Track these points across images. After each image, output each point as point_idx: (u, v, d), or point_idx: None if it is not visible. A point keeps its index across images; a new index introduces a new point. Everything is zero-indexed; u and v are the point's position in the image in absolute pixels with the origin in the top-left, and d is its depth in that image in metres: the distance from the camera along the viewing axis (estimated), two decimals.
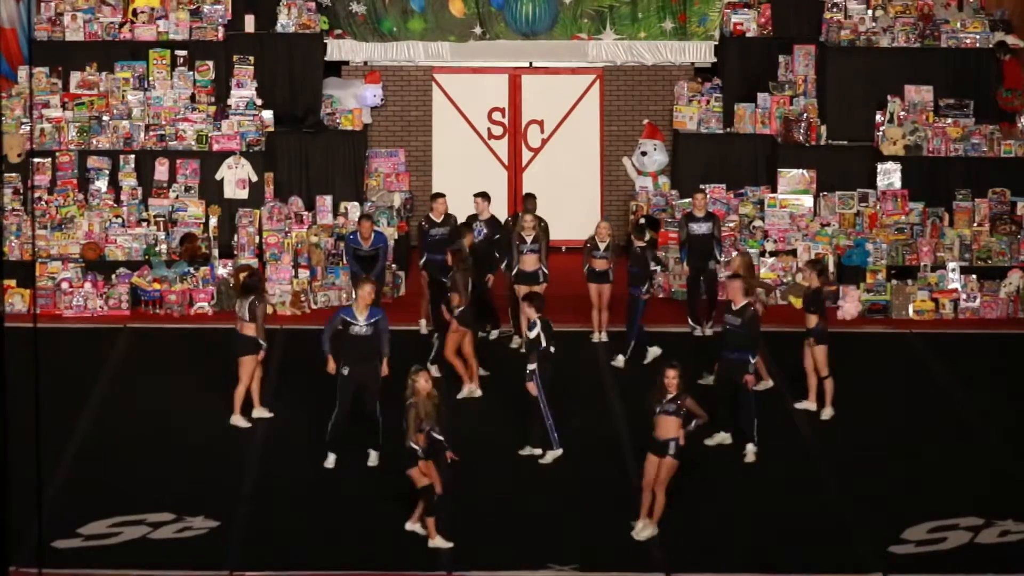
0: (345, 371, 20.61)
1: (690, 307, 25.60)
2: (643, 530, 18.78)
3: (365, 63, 29.93)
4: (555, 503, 19.76)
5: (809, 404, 22.37)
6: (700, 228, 25.46)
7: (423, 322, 25.08)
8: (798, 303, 24.55)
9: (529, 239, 24.51)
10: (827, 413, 22.23)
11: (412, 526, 18.74)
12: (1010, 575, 18.33)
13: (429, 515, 18.52)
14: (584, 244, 25.21)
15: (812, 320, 22.20)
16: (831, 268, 26.60)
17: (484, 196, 25.27)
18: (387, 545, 18.74)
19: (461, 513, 19.45)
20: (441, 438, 18.61)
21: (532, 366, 20.70)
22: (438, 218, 24.92)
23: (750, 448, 21.02)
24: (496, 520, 19.41)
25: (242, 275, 23.03)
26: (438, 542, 18.49)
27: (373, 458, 20.62)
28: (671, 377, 18.69)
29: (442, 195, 25.23)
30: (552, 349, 20.81)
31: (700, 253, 25.36)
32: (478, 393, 22.66)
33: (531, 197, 25.70)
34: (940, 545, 18.94)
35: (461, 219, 24.96)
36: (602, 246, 24.79)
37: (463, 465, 20.32)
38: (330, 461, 20.56)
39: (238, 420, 21.78)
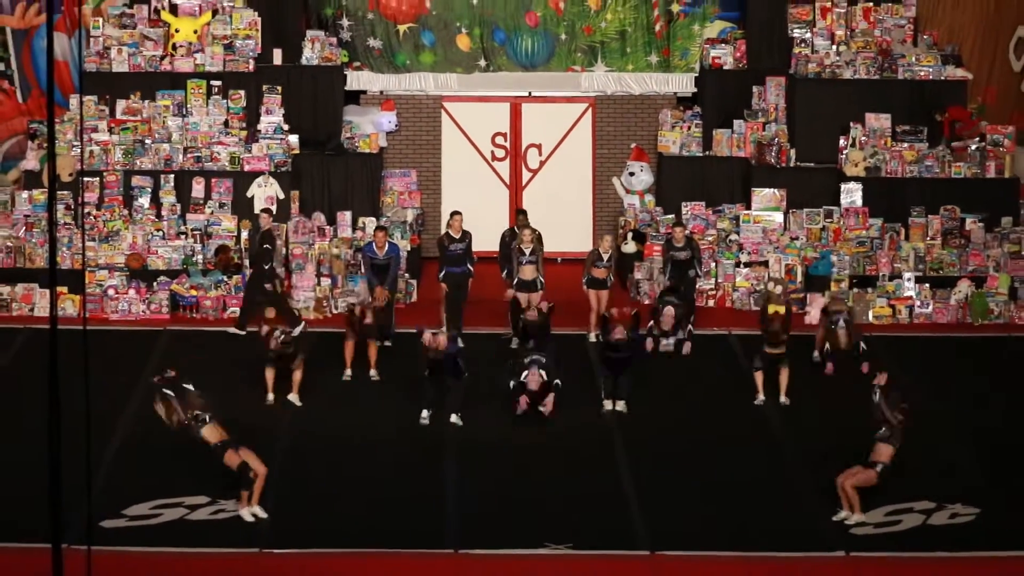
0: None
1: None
2: (852, 517, 19.10)
3: (381, 92, 29.99)
4: (552, 490, 19.84)
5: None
6: (681, 255, 25.62)
7: (444, 328, 25.17)
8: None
9: (528, 251, 24.61)
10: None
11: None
12: (959, 552, 18.43)
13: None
14: (588, 255, 25.31)
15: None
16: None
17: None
18: (401, 525, 18.82)
19: (468, 500, 19.56)
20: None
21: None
22: (456, 234, 24.97)
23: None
24: (499, 505, 19.47)
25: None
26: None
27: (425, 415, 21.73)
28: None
29: (459, 213, 25.29)
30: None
31: (681, 271, 25.53)
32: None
33: (523, 213, 25.79)
34: (896, 527, 19.03)
35: (475, 234, 25.24)
36: (605, 257, 24.91)
37: (471, 458, 20.43)
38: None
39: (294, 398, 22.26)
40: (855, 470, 19.14)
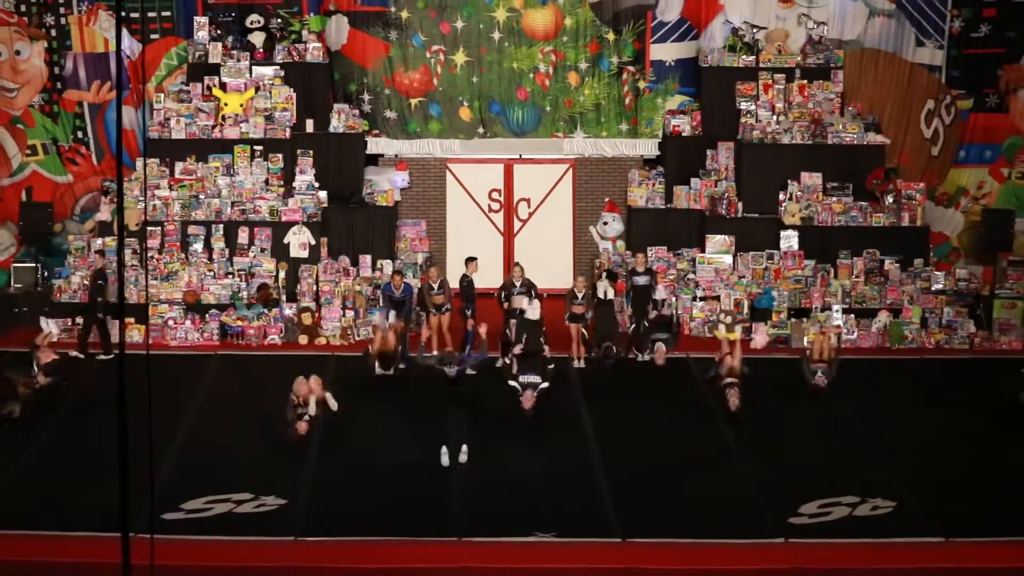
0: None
1: (635, 340, 25.66)
2: None
3: (396, 155, 30.07)
4: (539, 487, 19.86)
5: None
6: (641, 280, 25.61)
7: (435, 351, 25.14)
8: (720, 335, 24.50)
9: (518, 283, 24.76)
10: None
11: None
12: (879, 539, 18.45)
13: None
14: (567, 293, 25.37)
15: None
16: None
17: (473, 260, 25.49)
18: (413, 517, 18.82)
19: (471, 496, 19.55)
20: None
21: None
22: (472, 274, 25.19)
23: None
24: (496, 500, 19.51)
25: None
26: None
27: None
28: None
29: (475, 259, 25.44)
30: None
31: (641, 300, 25.52)
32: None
33: (518, 264, 25.84)
34: (827, 517, 19.03)
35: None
36: (580, 295, 24.93)
37: (473, 459, 20.36)
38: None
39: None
40: None
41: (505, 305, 24.98)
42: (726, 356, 22.65)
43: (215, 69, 28.98)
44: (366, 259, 28.07)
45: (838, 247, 27.96)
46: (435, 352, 24.43)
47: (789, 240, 28.09)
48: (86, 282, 26.42)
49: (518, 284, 24.95)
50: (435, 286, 25.26)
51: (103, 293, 25.58)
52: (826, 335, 23.57)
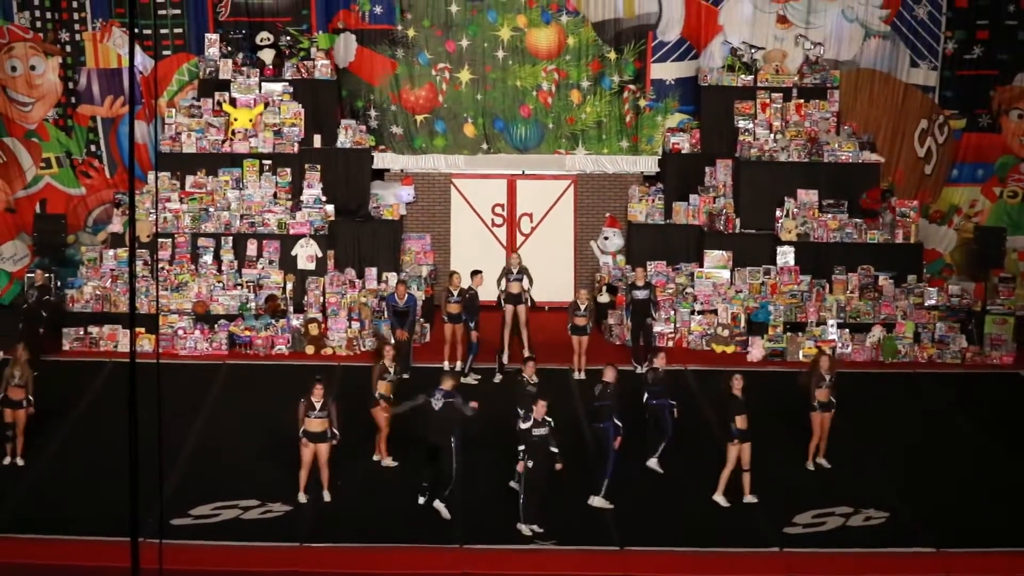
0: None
1: (633, 352, 25.71)
2: None
3: (401, 170, 30.07)
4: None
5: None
6: (640, 294, 25.65)
7: (446, 363, 25.21)
8: (719, 349, 24.55)
9: (515, 270, 25.29)
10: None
11: None
12: (872, 549, 18.46)
13: None
14: (568, 305, 25.41)
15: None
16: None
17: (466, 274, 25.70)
18: (417, 524, 18.81)
19: (471, 503, 19.53)
20: None
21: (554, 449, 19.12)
22: (476, 287, 25.27)
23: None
24: (496, 508, 19.47)
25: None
26: None
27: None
28: None
29: (480, 272, 25.61)
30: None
31: (641, 313, 25.59)
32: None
33: (516, 253, 26.26)
34: (821, 527, 19.06)
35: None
36: (583, 307, 24.96)
37: (474, 467, 20.34)
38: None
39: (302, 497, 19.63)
40: None
41: (502, 284, 25.54)
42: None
43: (225, 85, 29.01)
44: (372, 271, 28.07)
45: (833, 263, 27.94)
46: (446, 363, 24.55)
47: (785, 256, 28.07)
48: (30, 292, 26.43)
49: (515, 271, 25.45)
50: (455, 293, 25.21)
51: (48, 307, 25.62)
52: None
